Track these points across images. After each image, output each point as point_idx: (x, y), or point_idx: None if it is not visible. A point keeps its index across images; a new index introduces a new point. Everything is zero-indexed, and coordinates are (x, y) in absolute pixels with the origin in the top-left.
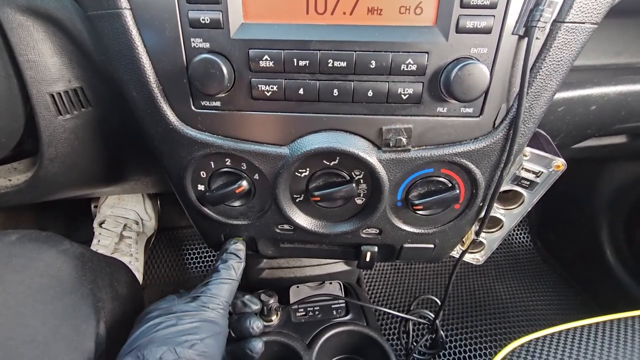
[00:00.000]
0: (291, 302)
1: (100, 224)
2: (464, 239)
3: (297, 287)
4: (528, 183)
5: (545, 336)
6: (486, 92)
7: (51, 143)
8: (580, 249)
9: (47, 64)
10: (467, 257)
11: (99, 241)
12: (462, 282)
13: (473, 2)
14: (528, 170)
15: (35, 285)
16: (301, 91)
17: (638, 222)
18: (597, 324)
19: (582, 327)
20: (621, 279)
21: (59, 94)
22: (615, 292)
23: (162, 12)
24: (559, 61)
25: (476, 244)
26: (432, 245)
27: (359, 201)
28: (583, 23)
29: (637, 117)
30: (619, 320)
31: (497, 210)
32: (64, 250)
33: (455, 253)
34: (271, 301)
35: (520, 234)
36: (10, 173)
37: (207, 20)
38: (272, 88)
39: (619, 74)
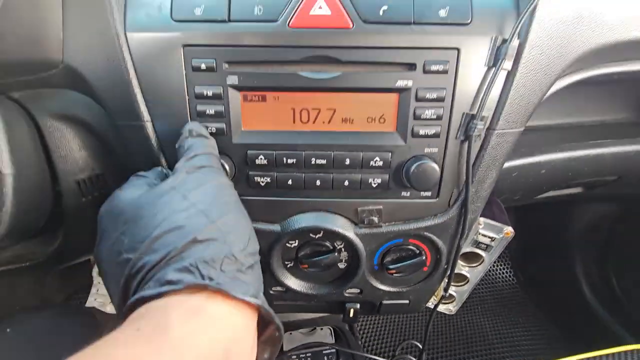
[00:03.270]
0: (285, 349)
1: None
2: (435, 294)
3: (290, 333)
4: (485, 246)
5: None
6: (440, 182)
7: (74, 221)
8: (558, 284)
9: (76, 158)
10: (441, 308)
11: (97, 290)
12: (449, 319)
13: (423, 116)
14: (484, 236)
15: None
16: (290, 182)
17: (609, 259)
18: None
19: None
20: (599, 314)
21: (84, 180)
22: (594, 328)
23: (177, 125)
24: (495, 157)
25: (448, 297)
26: (407, 301)
27: (341, 266)
28: (511, 129)
29: (584, 177)
30: (594, 357)
31: (462, 269)
32: (88, 322)
33: (431, 304)
34: None
35: (502, 268)
36: (35, 246)
37: (214, 129)
38: (266, 179)
39: (570, 132)
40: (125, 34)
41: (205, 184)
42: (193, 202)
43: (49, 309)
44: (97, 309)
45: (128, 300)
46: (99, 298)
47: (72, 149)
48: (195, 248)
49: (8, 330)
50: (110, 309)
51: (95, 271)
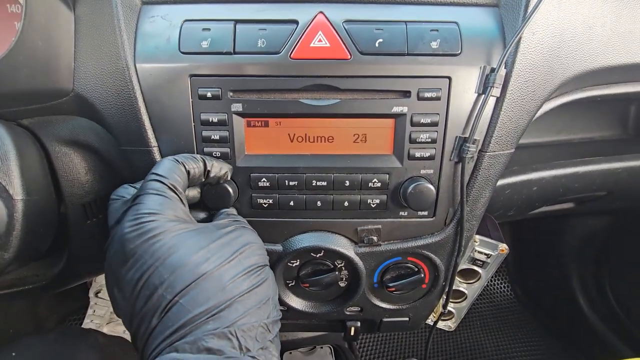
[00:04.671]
0: None
1: (97, 294)
2: (434, 311)
3: (290, 353)
4: (481, 262)
5: None
6: (436, 202)
7: (79, 243)
8: (556, 297)
9: (82, 181)
10: (441, 325)
11: (94, 311)
12: (449, 335)
13: (418, 140)
14: (480, 253)
15: None
16: (291, 203)
17: (604, 271)
18: None
19: None
20: (597, 327)
21: (89, 202)
22: (593, 341)
23: (182, 149)
24: (487, 177)
25: (447, 313)
26: (407, 318)
27: (342, 284)
28: (502, 151)
29: (574, 192)
30: None
31: (460, 285)
32: (93, 344)
33: (430, 321)
34: None
35: (500, 283)
36: (38, 269)
37: (218, 154)
38: (268, 201)
39: (560, 149)
40: (135, 64)
41: (250, 243)
42: (239, 258)
43: (52, 332)
44: (99, 332)
45: (155, 348)
46: (96, 319)
47: (79, 173)
48: (234, 309)
49: (13, 354)
50: (107, 330)
51: (92, 292)
